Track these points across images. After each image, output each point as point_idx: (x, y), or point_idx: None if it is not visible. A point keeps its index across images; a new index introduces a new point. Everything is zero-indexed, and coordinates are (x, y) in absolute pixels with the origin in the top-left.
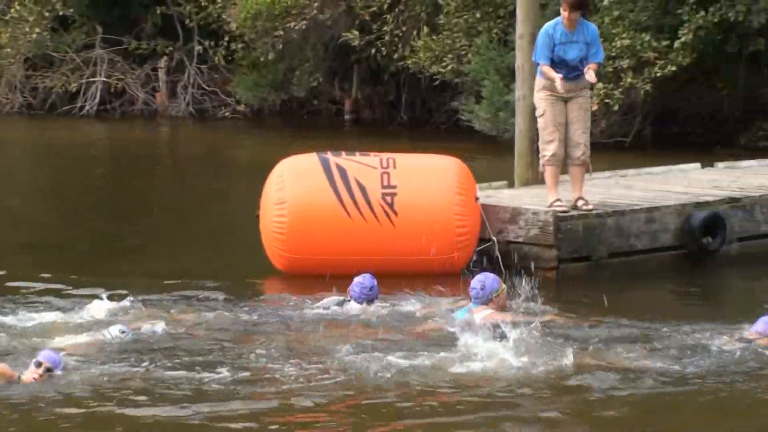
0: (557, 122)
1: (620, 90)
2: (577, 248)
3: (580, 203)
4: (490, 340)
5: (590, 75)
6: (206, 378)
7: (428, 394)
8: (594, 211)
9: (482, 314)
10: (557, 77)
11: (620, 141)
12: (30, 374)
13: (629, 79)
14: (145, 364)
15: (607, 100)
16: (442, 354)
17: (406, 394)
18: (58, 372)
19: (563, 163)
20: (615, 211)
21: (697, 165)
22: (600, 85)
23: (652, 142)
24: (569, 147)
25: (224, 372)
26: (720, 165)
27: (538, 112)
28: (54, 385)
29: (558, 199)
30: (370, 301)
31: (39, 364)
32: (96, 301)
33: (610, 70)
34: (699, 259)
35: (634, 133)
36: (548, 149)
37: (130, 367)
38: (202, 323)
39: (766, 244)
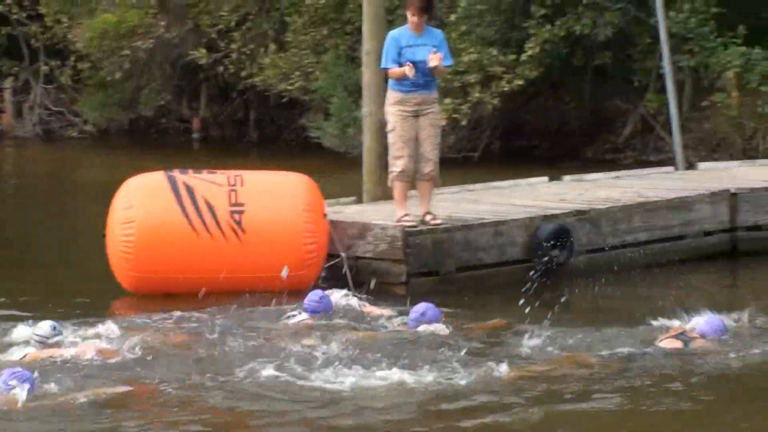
0: (407, 138)
1: (468, 105)
2: (426, 263)
3: (428, 218)
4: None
5: (434, 60)
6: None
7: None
8: (442, 226)
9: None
10: (406, 66)
11: (469, 155)
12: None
13: (477, 94)
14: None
15: (455, 115)
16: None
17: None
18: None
19: (412, 179)
20: (463, 225)
21: (545, 178)
22: (448, 100)
23: (500, 156)
24: (419, 162)
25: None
26: (567, 178)
27: (388, 127)
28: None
29: (406, 214)
30: (325, 312)
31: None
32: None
33: (458, 85)
34: (546, 272)
35: (483, 147)
36: (397, 165)
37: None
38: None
39: (613, 256)
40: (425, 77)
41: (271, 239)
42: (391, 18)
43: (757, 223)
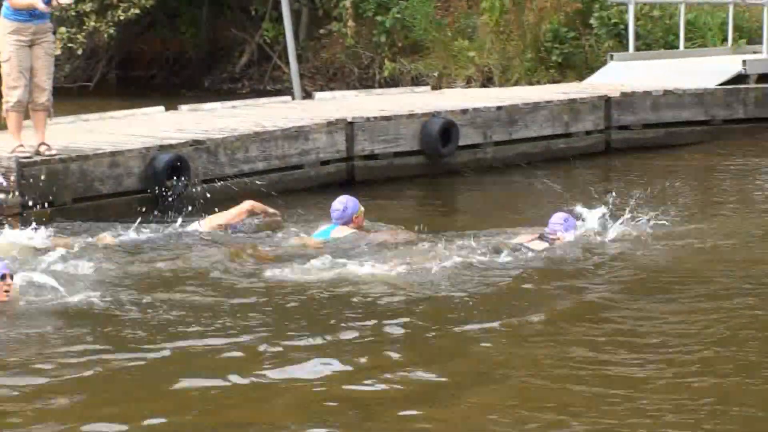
0: (23, 67)
1: (84, 34)
2: (41, 194)
3: (42, 149)
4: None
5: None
6: None
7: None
8: (57, 156)
9: (345, 234)
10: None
11: (84, 85)
12: None
13: (92, 23)
14: None
15: (70, 44)
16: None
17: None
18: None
19: (27, 109)
20: (79, 156)
21: (161, 108)
22: (63, 29)
23: (117, 86)
24: (33, 93)
25: None
26: (184, 108)
27: (3, 57)
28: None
29: (21, 145)
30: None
31: (3, 276)
32: None
33: (73, 13)
34: (164, 201)
35: (99, 77)
36: (13, 95)
37: None
38: None
39: (230, 185)
40: (37, 10)
41: None
42: None
43: (373, 151)
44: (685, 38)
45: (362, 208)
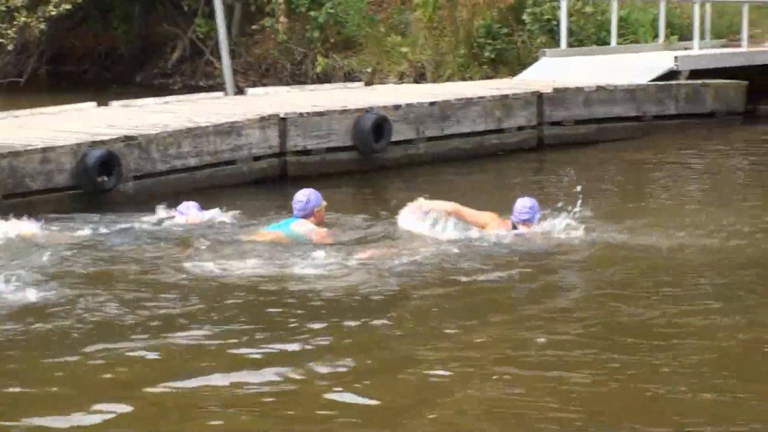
0: None
1: (14, 29)
2: None
3: None
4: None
5: None
6: None
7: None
8: None
9: (304, 228)
10: None
11: (15, 81)
12: None
13: (23, 18)
14: None
15: (0, 40)
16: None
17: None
18: None
19: None
20: (10, 152)
21: (93, 104)
22: None
23: (48, 82)
24: None
25: None
26: (115, 104)
27: None
28: None
29: None
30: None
31: None
32: None
33: (4, 9)
34: (95, 198)
35: (30, 72)
36: None
37: None
38: None
39: (162, 181)
40: None
41: None
42: None
43: (306, 147)
44: (618, 34)
45: (324, 203)
